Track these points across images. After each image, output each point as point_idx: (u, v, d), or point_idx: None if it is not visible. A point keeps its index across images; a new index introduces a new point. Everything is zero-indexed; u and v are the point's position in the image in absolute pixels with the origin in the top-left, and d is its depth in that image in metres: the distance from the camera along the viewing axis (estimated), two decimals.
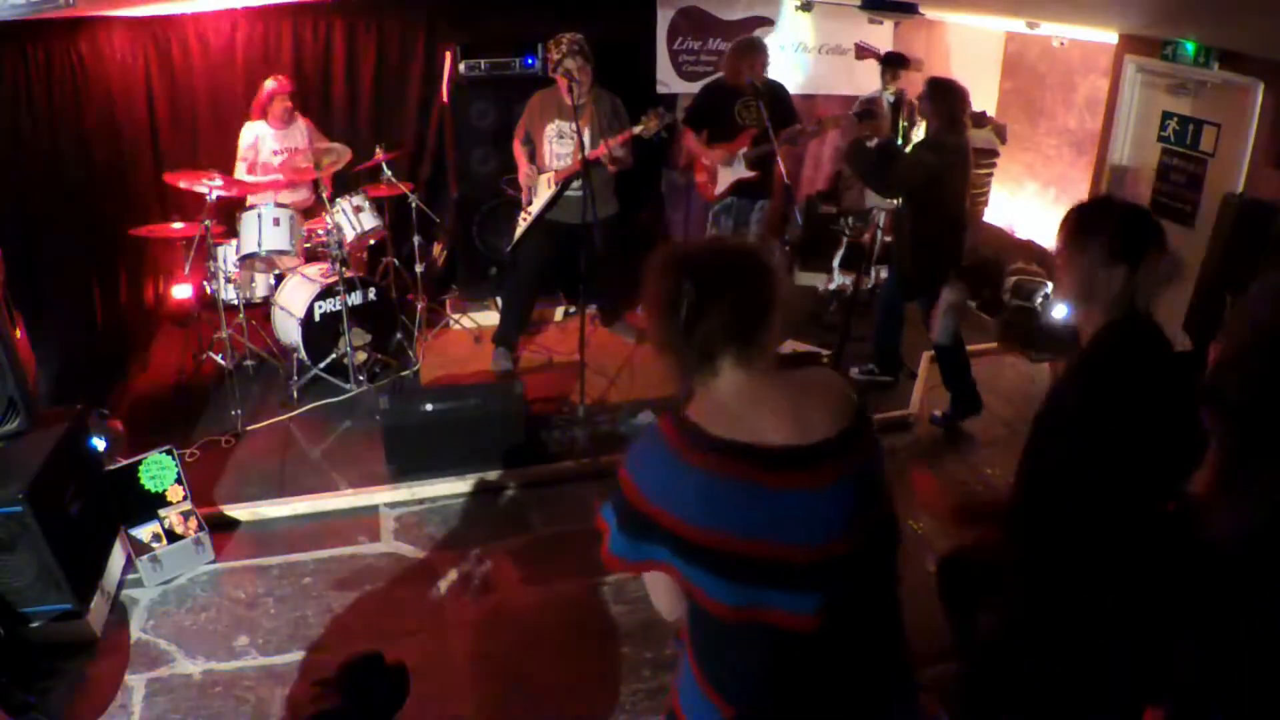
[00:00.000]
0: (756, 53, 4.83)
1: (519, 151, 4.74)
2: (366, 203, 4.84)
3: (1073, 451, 1.93)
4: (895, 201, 5.77)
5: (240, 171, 4.96)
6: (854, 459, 1.43)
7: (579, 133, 4.18)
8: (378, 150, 4.85)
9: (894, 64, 5.64)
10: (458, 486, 3.97)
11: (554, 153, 4.62)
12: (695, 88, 5.51)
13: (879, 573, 1.51)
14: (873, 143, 4.49)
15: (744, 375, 1.44)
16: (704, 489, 1.37)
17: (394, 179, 4.94)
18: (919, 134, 5.63)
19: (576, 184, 4.50)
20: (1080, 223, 2.02)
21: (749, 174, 4.98)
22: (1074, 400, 1.98)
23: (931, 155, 4.13)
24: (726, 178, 5.01)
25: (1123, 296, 1.95)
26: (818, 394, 1.47)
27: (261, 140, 4.97)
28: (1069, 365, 2.09)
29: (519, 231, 4.84)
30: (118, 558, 3.36)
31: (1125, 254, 1.93)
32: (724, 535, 1.36)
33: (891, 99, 5.64)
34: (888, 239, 5.87)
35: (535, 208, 4.70)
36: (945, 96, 4.13)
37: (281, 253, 4.55)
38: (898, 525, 1.55)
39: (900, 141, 5.63)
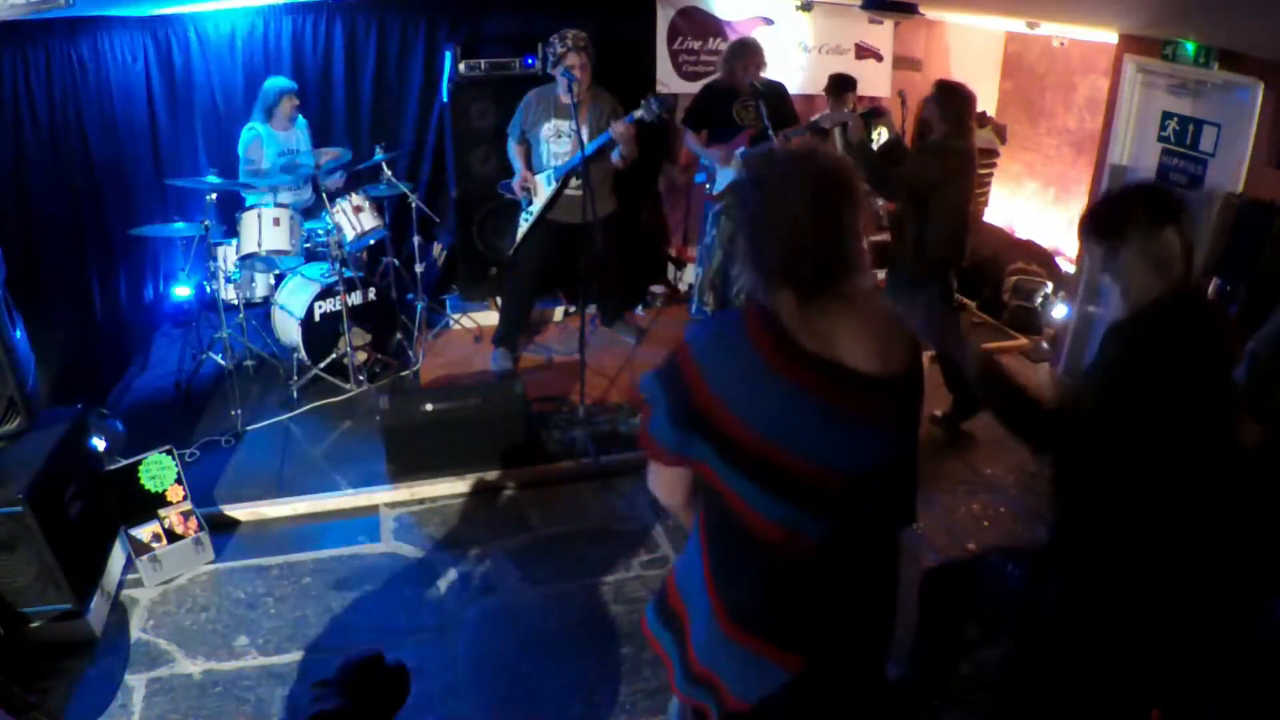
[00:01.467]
0: (751, 53, 4.81)
1: (516, 153, 4.72)
2: (366, 203, 4.84)
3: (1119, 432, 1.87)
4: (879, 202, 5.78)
5: (243, 173, 4.95)
6: (914, 397, 1.45)
7: (578, 130, 4.17)
8: (378, 150, 4.85)
9: (841, 88, 5.39)
10: (458, 486, 3.97)
11: (552, 152, 4.60)
12: (695, 88, 5.50)
13: (896, 510, 1.54)
14: (857, 133, 4.41)
15: (834, 296, 1.37)
16: (785, 400, 1.33)
17: (394, 179, 4.94)
18: (881, 138, 5.51)
19: (575, 182, 4.50)
20: (1108, 214, 1.95)
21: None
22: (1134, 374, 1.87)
23: (936, 159, 4.12)
24: (726, 179, 5.00)
25: (1182, 261, 1.88)
26: (894, 328, 1.45)
27: (264, 142, 4.97)
28: (1120, 339, 1.99)
29: (521, 232, 4.83)
30: (118, 558, 3.36)
31: (1167, 214, 1.87)
32: (784, 450, 1.34)
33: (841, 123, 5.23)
34: (874, 239, 5.86)
35: (536, 206, 4.69)
36: (952, 100, 4.12)
37: (281, 253, 4.55)
38: (917, 469, 1.56)
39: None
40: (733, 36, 5.69)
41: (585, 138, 4.22)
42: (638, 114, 4.37)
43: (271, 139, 4.98)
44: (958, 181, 4.21)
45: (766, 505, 1.37)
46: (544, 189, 4.64)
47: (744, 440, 1.33)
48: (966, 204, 4.40)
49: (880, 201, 5.89)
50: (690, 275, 5.84)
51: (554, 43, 4.38)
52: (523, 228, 4.80)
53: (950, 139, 4.13)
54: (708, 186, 5.16)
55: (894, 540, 1.56)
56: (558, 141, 4.57)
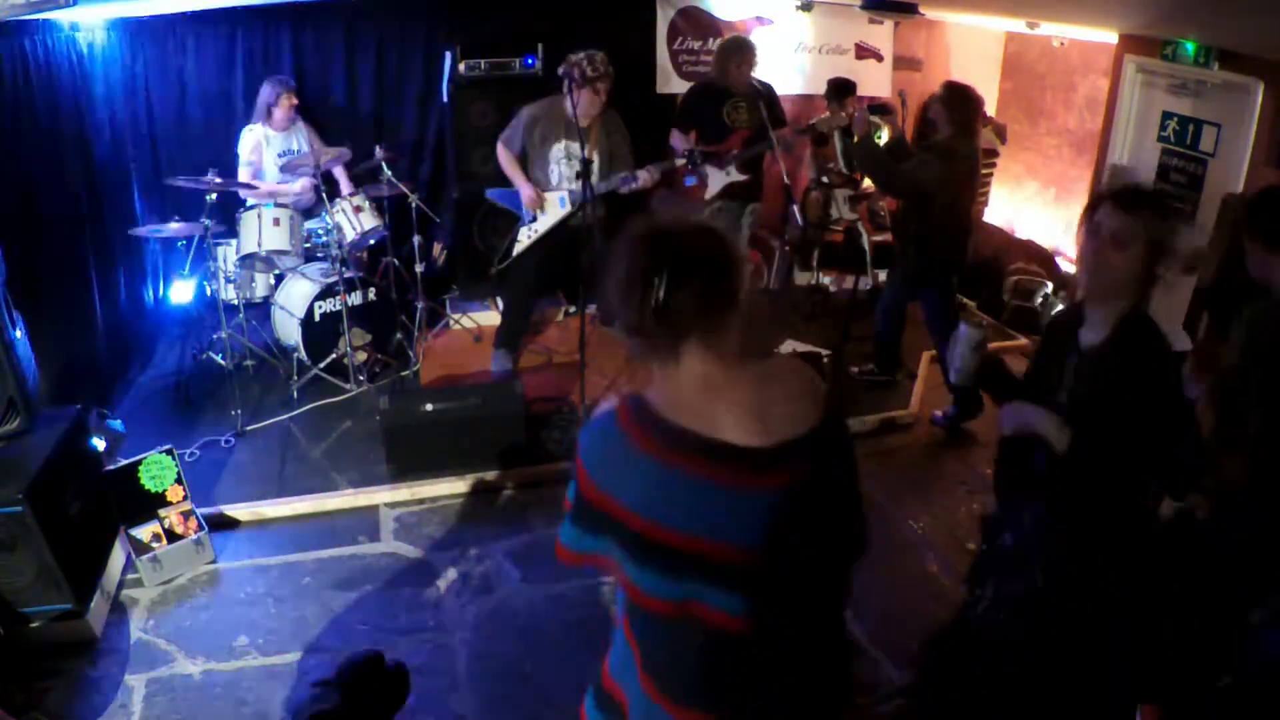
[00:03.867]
0: (744, 52, 4.78)
1: (515, 168, 4.53)
2: (366, 203, 4.84)
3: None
4: (857, 208, 5.77)
5: (244, 175, 4.95)
6: (817, 459, 1.38)
7: (583, 153, 4.09)
8: (378, 150, 4.85)
9: (840, 93, 5.36)
10: (458, 486, 3.97)
11: (563, 174, 4.50)
12: None
13: (826, 580, 1.47)
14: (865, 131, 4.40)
15: (709, 364, 1.37)
16: (653, 479, 1.32)
17: (394, 179, 4.94)
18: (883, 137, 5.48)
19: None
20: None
21: (740, 177, 4.94)
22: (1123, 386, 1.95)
23: (942, 160, 4.11)
24: (718, 181, 4.97)
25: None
26: (784, 388, 1.41)
27: (265, 143, 4.97)
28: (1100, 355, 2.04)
29: (519, 248, 4.67)
30: (118, 558, 3.36)
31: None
32: (667, 529, 1.32)
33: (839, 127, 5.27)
34: (876, 239, 5.88)
35: (543, 226, 4.60)
36: (961, 103, 4.12)
37: (281, 253, 4.55)
38: (861, 530, 1.51)
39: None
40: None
41: (597, 162, 4.25)
42: (680, 163, 4.50)
43: (271, 139, 4.98)
44: (961, 183, 4.21)
45: (655, 586, 1.38)
46: (557, 210, 4.55)
47: (630, 522, 1.35)
48: (969, 205, 4.40)
49: (882, 201, 5.90)
50: None
51: (582, 64, 4.19)
52: (522, 243, 4.66)
53: (956, 141, 4.13)
54: (703, 189, 5.13)
55: (834, 611, 1.53)
56: (569, 164, 4.46)
